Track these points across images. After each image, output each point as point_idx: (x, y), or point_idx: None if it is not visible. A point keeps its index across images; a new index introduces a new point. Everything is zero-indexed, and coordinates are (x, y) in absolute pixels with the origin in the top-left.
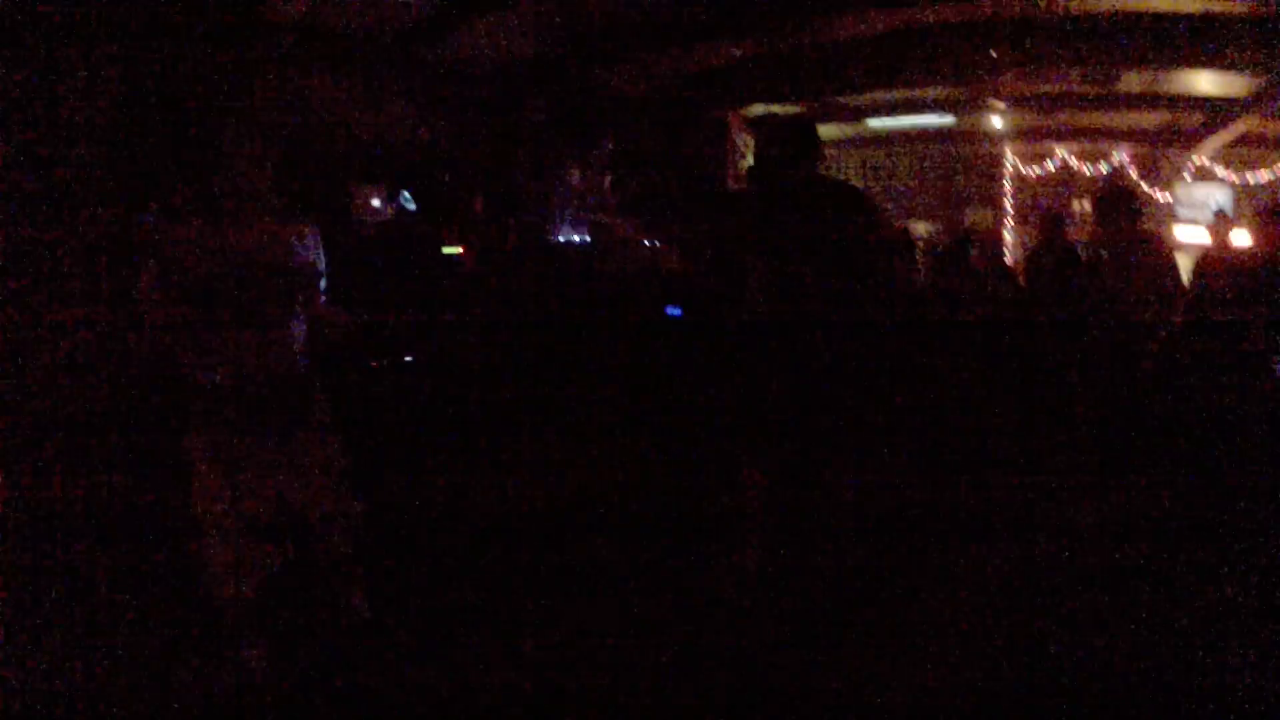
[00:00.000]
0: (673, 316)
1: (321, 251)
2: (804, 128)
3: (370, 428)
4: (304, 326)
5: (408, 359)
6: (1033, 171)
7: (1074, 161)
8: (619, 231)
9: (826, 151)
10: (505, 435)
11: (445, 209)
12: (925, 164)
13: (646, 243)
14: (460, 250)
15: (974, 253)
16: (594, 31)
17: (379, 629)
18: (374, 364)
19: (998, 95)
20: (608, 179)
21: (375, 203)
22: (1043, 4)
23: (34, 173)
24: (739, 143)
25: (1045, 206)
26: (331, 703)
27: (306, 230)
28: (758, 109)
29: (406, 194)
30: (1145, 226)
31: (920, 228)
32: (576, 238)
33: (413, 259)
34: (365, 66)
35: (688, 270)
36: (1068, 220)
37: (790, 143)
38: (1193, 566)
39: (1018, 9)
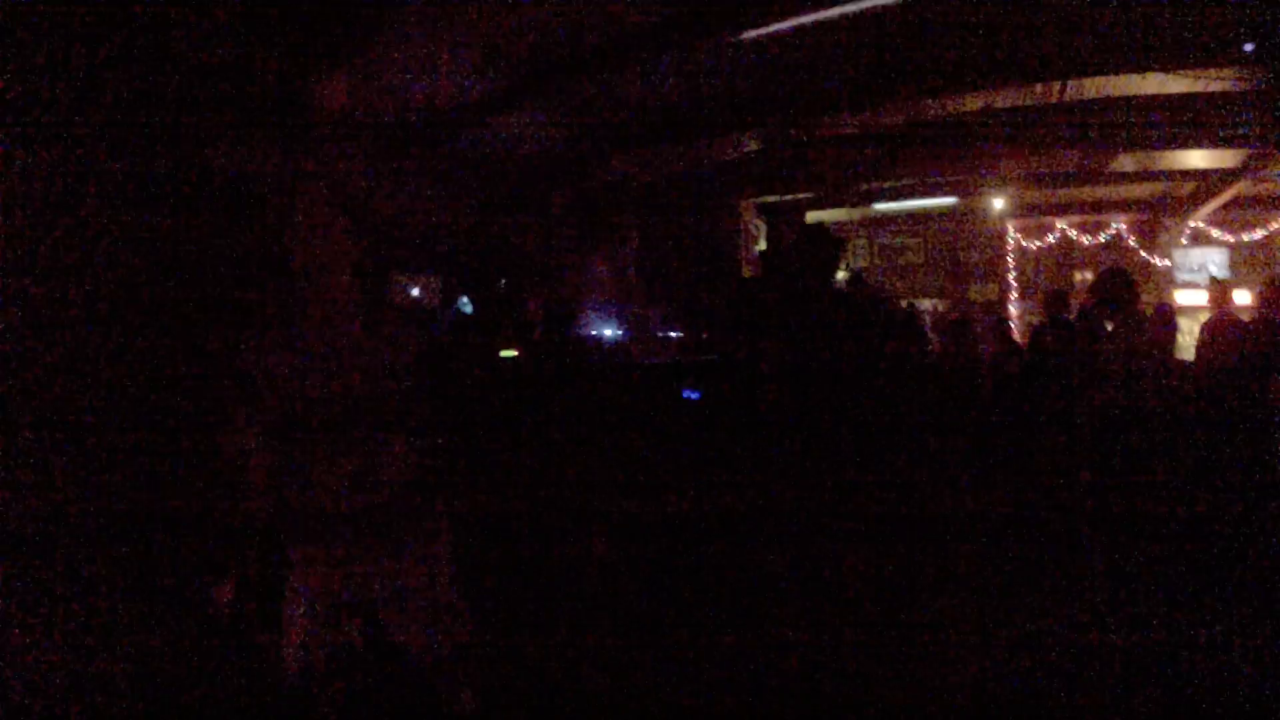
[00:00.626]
0: (690, 399)
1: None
2: (820, 237)
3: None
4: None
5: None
6: (1034, 245)
7: (1074, 234)
8: (651, 322)
9: (836, 232)
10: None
11: (498, 309)
12: (932, 242)
13: (670, 332)
14: (516, 353)
15: (977, 329)
16: (617, 126)
17: None
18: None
19: (998, 177)
20: (631, 269)
21: (415, 292)
22: (1039, 91)
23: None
24: (752, 228)
25: (1047, 282)
26: None
27: (395, 326)
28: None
29: (465, 299)
30: (1142, 303)
31: (928, 303)
32: (608, 330)
33: (478, 369)
34: (401, 154)
35: (708, 354)
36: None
37: (812, 251)
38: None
39: (1013, 100)
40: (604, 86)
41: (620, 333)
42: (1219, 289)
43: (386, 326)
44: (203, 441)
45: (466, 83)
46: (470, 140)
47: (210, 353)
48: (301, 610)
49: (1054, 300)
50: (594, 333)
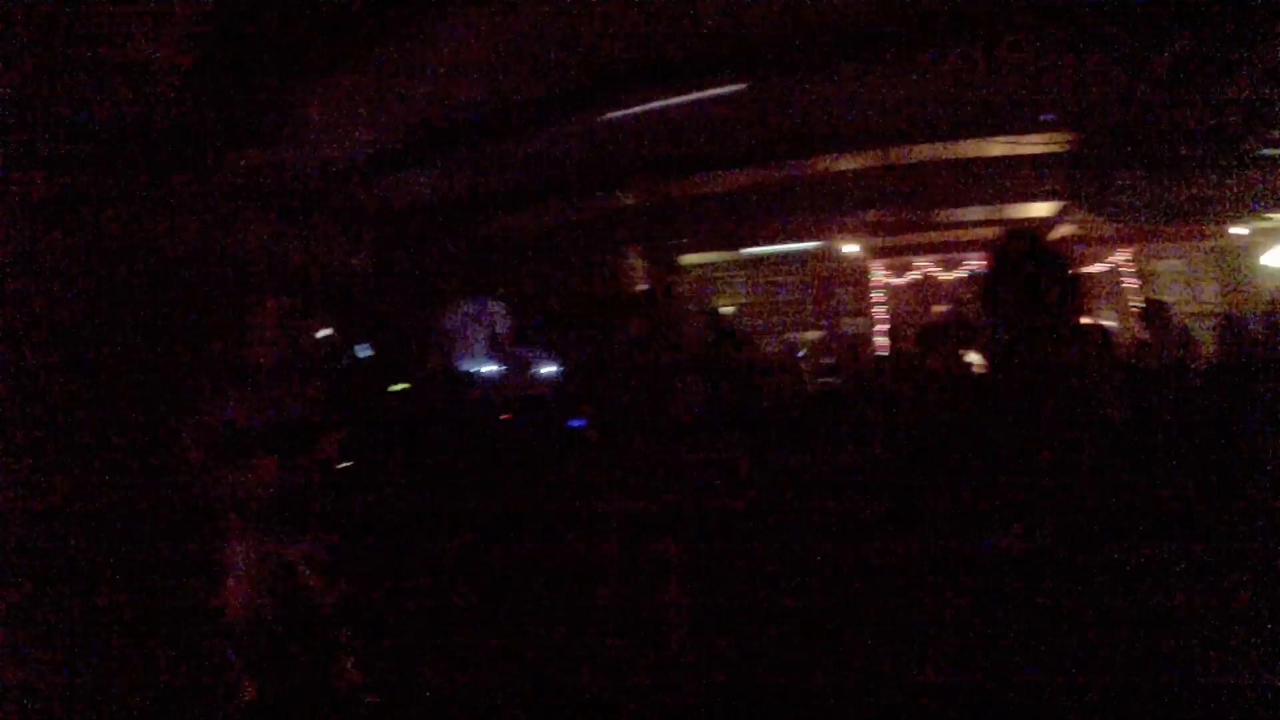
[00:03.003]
0: (576, 428)
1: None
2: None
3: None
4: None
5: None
6: (898, 281)
7: (934, 270)
8: (533, 358)
9: (713, 274)
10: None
11: (391, 350)
12: (807, 279)
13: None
14: (406, 386)
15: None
16: (503, 184)
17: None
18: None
19: (854, 224)
20: (515, 311)
21: (324, 333)
22: (871, 156)
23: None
24: (630, 273)
25: (909, 315)
26: None
27: (314, 388)
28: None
29: (363, 345)
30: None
31: (812, 335)
32: (492, 367)
33: (372, 399)
34: (305, 213)
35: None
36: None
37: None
38: None
39: (852, 164)
40: (489, 151)
41: (504, 369)
42: None
43: (298, 368)
44: (163, 454)
45: (360, 147)
46: (370, 195)
47: (164, 393)
48: (238, 570)
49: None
50: (479, 370)
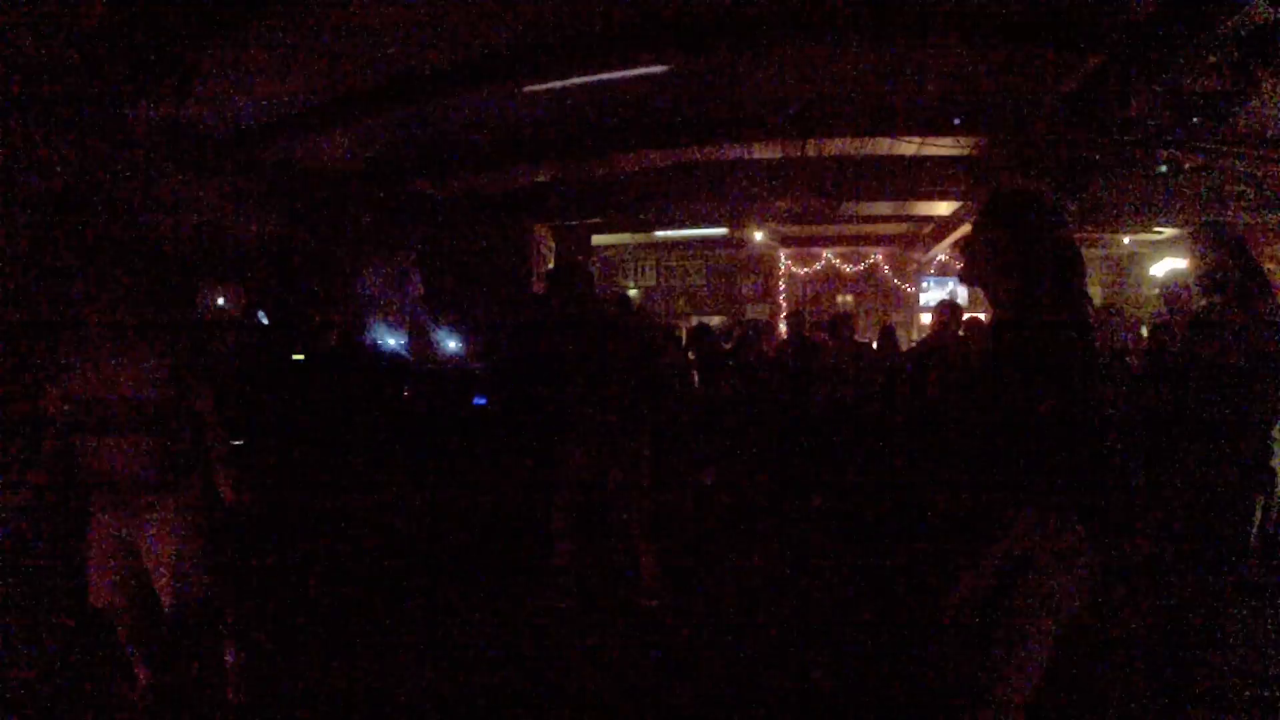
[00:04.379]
0: (479, 405)
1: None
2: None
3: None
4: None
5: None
6: (803, 271)
7: (837, 262)
8: (435, 333)
9: (622, 257)
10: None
11: (291, 318)
12: (713, 265)
13: (455, 341)
14: (302, 356)
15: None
16: (418, 151)
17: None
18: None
19: (763, 212)
20: (420, 283)
21: (220, 301)
22: (788, 146)
23: None
24: (543, 249)
25: (813, 303)
26: None
27: (163, 363)
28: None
29: (261, 312)
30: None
31: (716, 320)
32: (394, 340)
33: (269, 367)
34: (215, 166)
35: (492, 363)
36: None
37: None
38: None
39: (769, 152)
40: (406, 115)
41: (405, 342)
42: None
43: (154, 363)
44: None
45: (279, 101)
46: (279, 156)
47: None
48: (95, 550)
49: (793, 320)
50: (381, 341)
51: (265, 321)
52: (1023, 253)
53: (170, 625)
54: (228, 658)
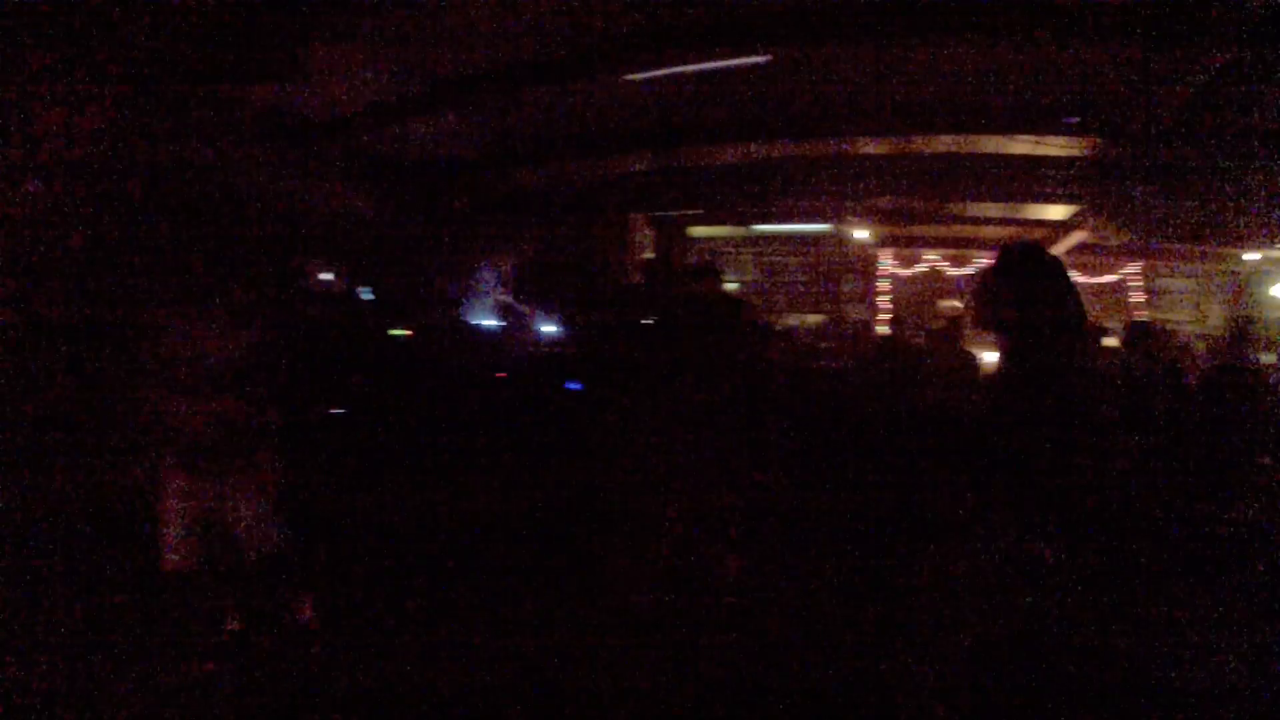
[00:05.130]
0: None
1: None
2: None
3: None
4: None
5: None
6: (905, 273)
7: (942, 265)
8: (533, 318)
9: (721, 249)
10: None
11: (393, 295)
12: (812, 262)
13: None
14: (408, 333)
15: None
16: (521, 142)
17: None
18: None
19: (868, 210)
20: (521, 269)
21: (326, 276)
22: (896, 141)
23: None
24: (638, 239)
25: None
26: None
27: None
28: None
29: (365, 288)
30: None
31: (816, 319)
32: (492, 321)
33: (369, 342)
34: (321, 150)
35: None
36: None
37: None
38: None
39: (874, 148)
40: (510, 107)
41: (504, 325)
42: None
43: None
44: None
45: (384, 87)
46: (385, 141)
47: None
48: (171, 519)
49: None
50: (479, 323)
51: (369, 298)
52: (1024, 304)
53: (249, 581)
54: (306, 612)
